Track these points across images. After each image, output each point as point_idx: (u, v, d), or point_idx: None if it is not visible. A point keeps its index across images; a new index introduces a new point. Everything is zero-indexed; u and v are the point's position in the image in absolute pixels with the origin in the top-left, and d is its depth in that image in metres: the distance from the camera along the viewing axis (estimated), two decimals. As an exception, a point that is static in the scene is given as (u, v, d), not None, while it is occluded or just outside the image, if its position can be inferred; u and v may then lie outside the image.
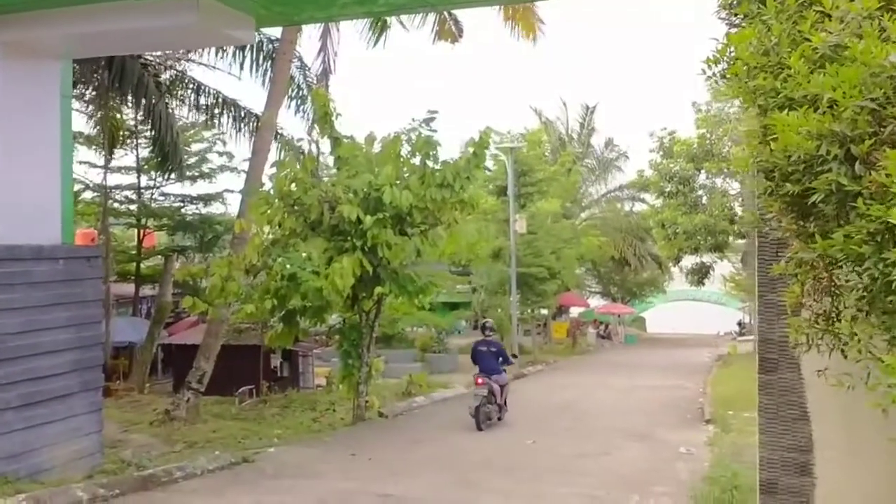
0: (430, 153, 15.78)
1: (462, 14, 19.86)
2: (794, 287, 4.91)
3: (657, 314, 63.57)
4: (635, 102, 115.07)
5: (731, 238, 36.96)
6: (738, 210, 35.60)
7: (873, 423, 5.74)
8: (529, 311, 32.63)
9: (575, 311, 49.29)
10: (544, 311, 37.28)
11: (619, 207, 49.97)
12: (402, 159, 16.06)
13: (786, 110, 3.72)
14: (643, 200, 48.21)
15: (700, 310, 65.61)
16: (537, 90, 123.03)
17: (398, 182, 15.45)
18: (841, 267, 4.45)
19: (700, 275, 41.47)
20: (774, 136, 3.92)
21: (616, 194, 50.55)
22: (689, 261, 41.54)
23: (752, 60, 4.08)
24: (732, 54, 4.36)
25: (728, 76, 4.43)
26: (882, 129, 3.42)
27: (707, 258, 40.18)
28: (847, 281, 3.93)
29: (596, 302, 54.40)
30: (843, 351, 4.84)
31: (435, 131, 15.74)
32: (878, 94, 3.43)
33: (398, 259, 15.53)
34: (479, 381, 16.45)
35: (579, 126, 50.12)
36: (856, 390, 5.38)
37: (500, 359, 17.05)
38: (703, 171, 35.22)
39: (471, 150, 16.23)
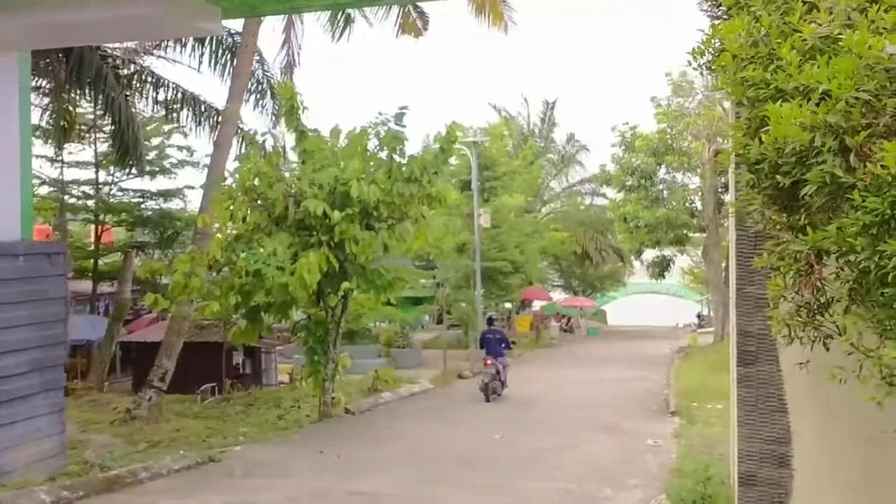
0: (398, 148, 15.66)
1: (430, 7, 19.74)
2: (776, 279, 4.90)
3: (618, 307, 64.12)
4: (595, 97, 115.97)
5: (690, 232, 37.38)
6: (698, 204, 36.05)
7: (851, 414, 5.79)
8: (494, 304, 32.66)
9: (537, 305, 49.48)
10: (508, 305, 37.34)
11: (580, 201, 50.25)
12: (368, 153, 15.92)
13: (778, 102, 3.70)
14: (604, 195, 48.60)
15: (659, 302, 66.33)
16: (500, 85, 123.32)
17: (364, 176, 15.31)
18: (823, 259, 4.50)
19: (661, 268, 41.87)
20: (765, 128, 3.90)
21: (577, 188, 50.84)
22: (650, 254, 41.94)
23: (741, 52, 4.06)
24: (719, 45, 4.34)
25: (714, 67, 4.41)
26: (876, 121, 3.41)
27: (668, 251, 40.58)
28: (839, 273, 3.91)
29: (558, 295, 54.67)
30: (825, 343, 4.87)
31: (404, 126, 15.64)
32: (872, 85, 3.41)
33: (365, 254, 15.40)
34: (488, 362, 19.82)
35: (540, 121, 50.31)
36: (830, 383, 5.44)
37: (503, 344, 20.67)
38: (663, 166, 35.54)
39: (438, 144, 16.13)
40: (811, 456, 5.85)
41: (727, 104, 31.32)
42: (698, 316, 55.39)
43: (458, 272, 29.51)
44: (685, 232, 36.82)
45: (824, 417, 5.82)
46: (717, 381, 20.99)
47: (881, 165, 3.24)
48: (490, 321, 22.57)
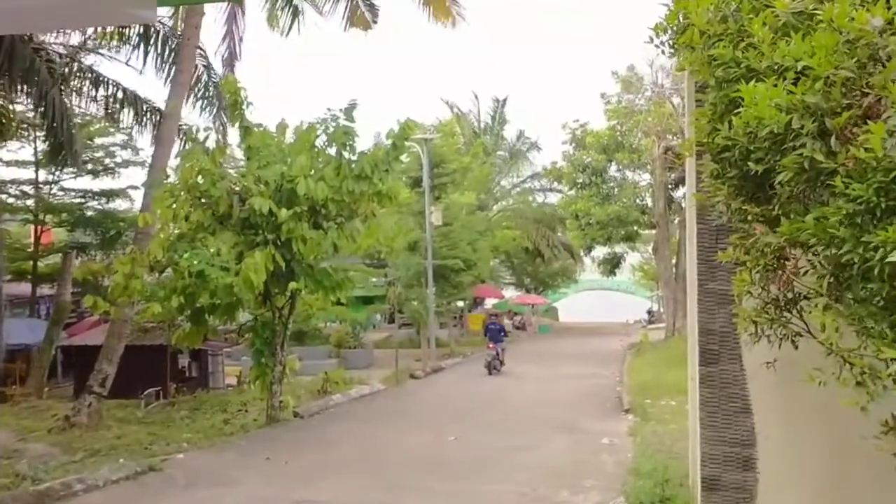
0: (348, 144, 15.24)
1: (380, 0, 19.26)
2: (742, 274, 4.65)
3: (569, 304, 64.36)
4: (544, 94, 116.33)
5: (641, 229, 37.52)
6: (649, 201, 36.17)
7: (816, 414, 5.58)
8: (446, 303, 32.34)
9: (490, 303, 49.34)
10: (460, 304, 37.07)
11: (532, 199, 50.19)
12: (316, 150, 15.47)
13: (751, 82, 3.41)
14: (554, 191, 48.63)
15: (610, 299, 66.81)
16: (450, 82, 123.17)
17: (312, 173, 14.87)
18: (791, 252, 4.24)
19: (612, 264, 41.98)
20: (735, 111, 3.63)
21: (528, 185, 50.78)
22: (601, 251, 42.03)
23: (709, 27, 3.77)
24: (684, 21, 4.05)
25: (679, 45, 4.12)
26: (858, 102, 3.14)
27: (619, 248, 40.69)
28: (814, 267, 3.64)
29: (510, 293, 54.61)
30: (793, 341, 4.62)
31: (354, 122, 15.22)
32: (852, 63, 3.14)
33: (313, 254, 14.96)
34: (491, 345, 26.44)
35: (491, 119, 50.10)
36: (796, 382, 5.20)
37: (502, 333, 27.64)
38: (613, 163, 35.58)
39: (390, 140, 15.74)
40: (776, 458, 5.63)
41: (677, 100, 31.47)
42: (648, 312, 55.86)
43: (409, 270, 29.08)
44: (636, 229, 36.93)
45: (789, 417, 5.60)
46: (670, 377, 21.02)
47: (865, 149, 2.97)
48: (492, 315, 31.30)
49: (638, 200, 36.45)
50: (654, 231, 36.69)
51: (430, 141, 30.58)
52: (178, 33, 18.71)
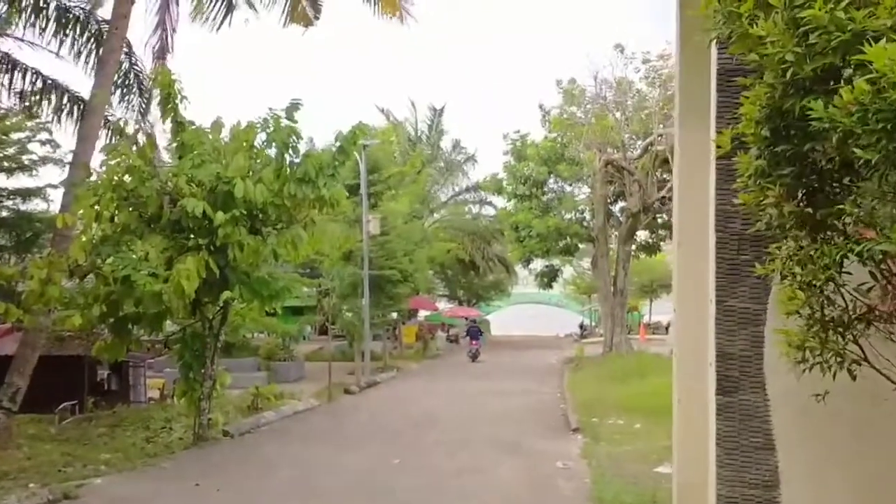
0: (291, 145, 14.28)
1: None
2: (789, 291, 3.96)
3: (501, 317, 64.22)
4: (481, 105, 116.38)
5: (580, 242, 37.33)
6: (587, 215, 35.98)
7: (847, 453, 4.94)
8: (381, 314, 31.41)
9: (422, 315, 48.60)
10: (394, 315, 36.19)
11: (467, 210, 49.68)
12: (255, 150, 14.48)
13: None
14: (490, 203, 48.27)
15: (542, 312, 66.96)
16: (386, 89, 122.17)
17: (251, 174, 13.87)
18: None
19: (549, 277, 41.69)
20: (812, 90, 2.91)
21: (464, 197, 50.25)
22: (538, 264, 41.74)
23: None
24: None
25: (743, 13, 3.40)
26: None
27: (556, 261, 40.40)
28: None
29: (443, 305, 53.99)
30: (850, 370, 3.95)
31: (296, 122, 14.28)
32: None
33: (251, 261, 13.95)
34: (473, 342, 36.90)
35: (427, 128, 49.45)
36: (825, 414, 4.55)
37: (480, 334, 38.19)
38: (553, 175, 35.28)
39: (338, 143, 14.83)
40: (801, 501, 4.93)
41: (619, 114, 31.28)
42: (581, 326, 55.94)
43: (345, 280, 28.05)
44: (575, 242, 36.70)
45: (818, 455, 4.93)
46: (614, 394, 20.61)
47: None
48: (473, 322, 41.27)
49: (577, 214, 36.24)
50: (590, 245, 36.54)
51: (368, 147, 29.64)
52: (101, 19, 17.48)
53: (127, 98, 19.42)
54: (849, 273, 3.69)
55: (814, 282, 3.73)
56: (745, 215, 4.78)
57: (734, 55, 4.42)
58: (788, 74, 3.21)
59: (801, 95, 3.37)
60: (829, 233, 3.70)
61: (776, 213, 3.85)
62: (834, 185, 3.66)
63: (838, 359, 3.87)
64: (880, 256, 3.39)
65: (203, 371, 15.25)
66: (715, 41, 4.52)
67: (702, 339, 5.62)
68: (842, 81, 3.14)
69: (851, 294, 3.76)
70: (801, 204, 3.75)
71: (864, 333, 3.90)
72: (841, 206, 3.39)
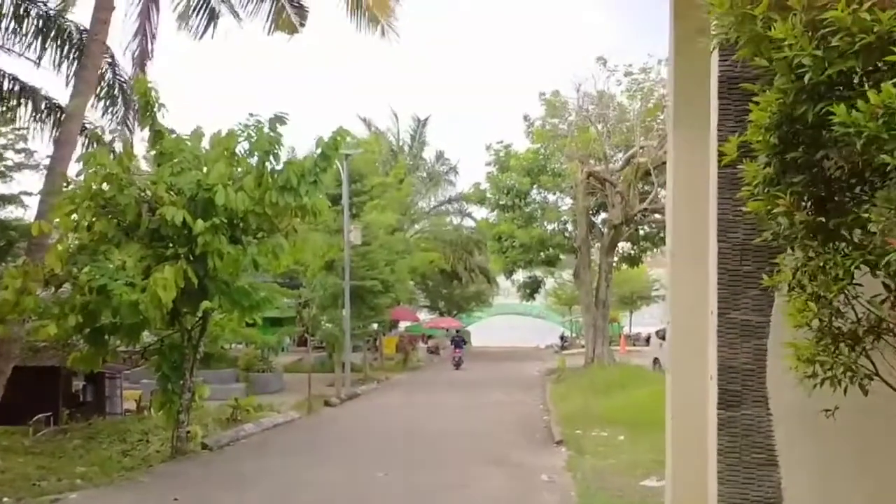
0: (273, 152, 14.07)
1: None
2: (798, 302, 3.82)
3: (482, 328, 64.02)
4: (462, 117, 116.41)
5: (563, 253, 37.28)
6: (569, 226, 35.96)
7: (852, 467, 4.81)
8: (361, 325, 31.15)
9: (403, 326, 48.36)
10: (374, 326, 35.94)
11: (449, 221, 49.56)
12: (237, 158, 14.25)
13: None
14: (470, 215, 48.22)
15: (523, 323, 66.81)
16: (369, 99, 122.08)
17: (231, 182, 13.64)
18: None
19: (532, 288, 41.63)
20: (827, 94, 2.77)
21: (446, 207, 50.12)
22: (520, 274, 41.68)
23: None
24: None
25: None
26: None
27: (539, 272, 40.36)
28: None
29: (424, 316, 53.76)
30: (862, 385, 3.81)
31: (280, 135, 14.09)
32: None
33: (231, 270, 13.70)
34: (457, 350, 39.01)
35: (410, 138, 49.31)
36: (829, 429, 4.42)
37: (463, 342, 40.94)
38: (536, 186, 35.26)
39: (319, 149, 14.62)
40: (804, 520, 4.79)
41: (600, 125, 31.31)
42: (562, 337, 55.85)
43: (326, 291, 27.77)
44: (558, 253, 36.66)
45: (821, 472, 4.79)
46: (597, 405, 20.50)
47: None
48: (457, 331, 44.81)
49: (559, 225, 36.22)
50: (572, 256, 36.51)
51: (349, 157, 29.44)
52: (83, 28, 17.22)
53: (111, 109, 19.07)
54: (859, 284, 3.57)
55: (826, 294, 3.60)
56: (748, 225, 4.66)
57: (737, 61, 4.32)
58: (806, 79, 3.07)
59: (814, 101, 3.25)
60: (839, 243, 3.58)
61: (787, 222, 3.71)
62: (846, 194, 3.53)
63: (850, 373, 3.73)
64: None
65: (181, 383, 14.96)
66: (717, 48, 4.41)
67: (698, 353, 5.48)
68: (854, 87, 3.02)
69: (864, 306, 3.62)
70: (811, 213, 3.62)
71: (874, 346, 3.77)
72: (858, 215, 3.25)
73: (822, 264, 3.56)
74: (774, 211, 3.71)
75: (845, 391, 3.77)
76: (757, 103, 3.67)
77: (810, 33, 2.97)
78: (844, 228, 3.47)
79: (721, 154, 4.31)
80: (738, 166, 4.08)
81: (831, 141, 3.41)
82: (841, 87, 3.19)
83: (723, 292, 4.85)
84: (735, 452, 4.84)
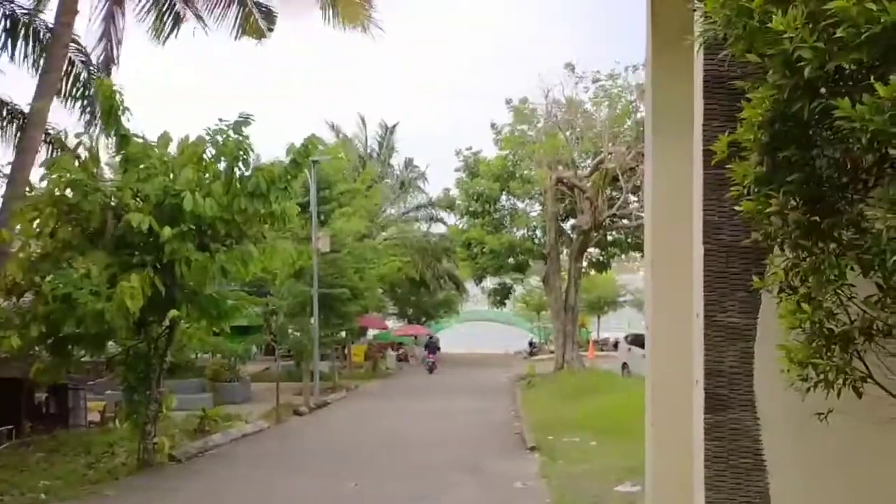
0: (241, 158, 13.85)
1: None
2: (791, 304, 3.75)
3: (450, 334, 63.94)
4: (431, 123, 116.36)
5: (532, 259, 37.34)
6: (538, 232, 36.02)
7: (842, 473, 4.76)
8: (331, 333, 30.87)
9: (371, 333, 48.09)
10: (343, 334, 35.67)
11: (418, 227, 49.41)
12: (204, 163, 14.01)
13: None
14: (441, 221, 48.11)
15: (491, 330, 66.90)
16: (337, 105, 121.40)
17: (200, 188, 13.40)
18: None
19: (502, 295, 41.63)
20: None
21: (414, 214, 49.96)
22: (490, 281, 41.69)
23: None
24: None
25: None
26: None
27: (508, 279, 40.37)
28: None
29: (393, 323, 53.53)
30: (855, 388, 3.75)
31: (247, 137, 13.86)
32: None
33: (198, 278, 13.44)
34: (431, 356, 41.04)
35: (378, 145, 49.08)
36: (817, 432, 4.37)
37: (437, 348, 43.25)
38: (505, 193, 35.29)
39: (290, 156, 14.43)
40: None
41: (569, 133, 31.42)
42: (530, 343, 55.96)
43: (294, 299, 27.47)
44: (527, 259, 36.69)
45: (810, 477, 4.73)
46: (568, 411, 20.48)
47: None
48: (430, 337, 46.46)
49: (528, 231, 36.27)
50: (541, 262, 36.56)
51: (317, 163, 29.20)
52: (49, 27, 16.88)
53: (88, 109, 18.65)
54: (852, 285, 3.51)
55: (818, 295, 3.54)
56: (734, 226, 4.60)
57: (724, 60, 4.25)
58: (806, 72, 2.99)
59: (810, 97, 3.17)
60: (831, 243, 3.51)
61: (780, 222, 3.64)
62: (839, 193, 3.47)
63: (844, 376, 3.67)
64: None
65: (148, 393, 14.64)
66: (702, 47, 4.35)
67: (680, 357, 5.41)
68: (855, 81, 2.96)
69: (858, 307, 3.56)
70: (804, 213, 3.55)
71: (866, 348, 3.72)
72: (851, 215, 3.18)
73: (815, 265, 3.50)
74: (767, 211, 3.64)
75: (839, 394, 3.71)
76: (749, 100, 3.60)
77: (811, 25, 2.89)
78: (837, 228, 3.40)
79: (709, 154, 4.23)
80: (725, 167, 4.01)
81: (825, 139, 3.36)
82: (839, 82, 3.12)
83: (709, 295, 4.77)
84: (723, 457, 4.76)
